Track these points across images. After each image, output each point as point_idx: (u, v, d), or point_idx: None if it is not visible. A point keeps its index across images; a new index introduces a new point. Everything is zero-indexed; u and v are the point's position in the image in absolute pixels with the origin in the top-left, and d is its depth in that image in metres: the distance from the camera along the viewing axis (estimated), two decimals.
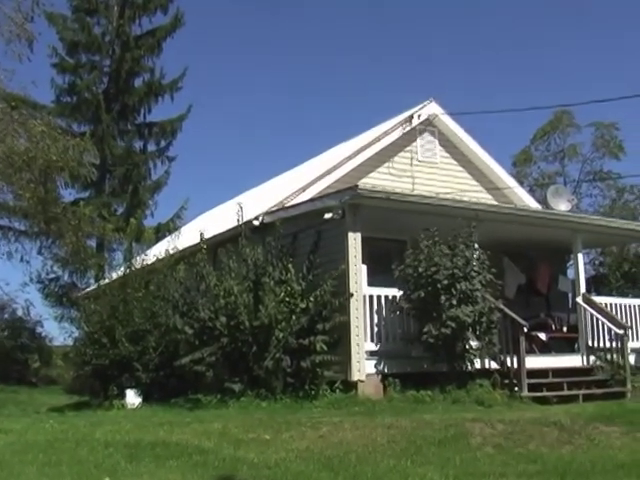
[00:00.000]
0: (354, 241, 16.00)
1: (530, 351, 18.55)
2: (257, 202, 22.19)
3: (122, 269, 21.81)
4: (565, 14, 75.79)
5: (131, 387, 18.03)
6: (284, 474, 9.79)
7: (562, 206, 21.58)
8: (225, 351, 15.70)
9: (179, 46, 67.13)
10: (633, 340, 19.92)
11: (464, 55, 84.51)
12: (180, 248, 20.97)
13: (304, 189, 20.23)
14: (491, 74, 79.92)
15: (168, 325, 17.34)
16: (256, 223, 18.65)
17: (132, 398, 17.72)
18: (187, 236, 23.20)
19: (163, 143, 46.43)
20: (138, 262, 21.31)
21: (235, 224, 18.06)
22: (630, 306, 20.85)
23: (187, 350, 16.32)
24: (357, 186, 15.95)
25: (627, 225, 22.36)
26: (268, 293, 15.52)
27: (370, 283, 16.52)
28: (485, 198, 22.76)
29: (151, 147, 46.57)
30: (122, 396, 17.93)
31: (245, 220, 17.92)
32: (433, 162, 23.33)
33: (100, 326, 19.68)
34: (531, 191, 38.87)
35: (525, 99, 69.14)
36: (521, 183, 37.08)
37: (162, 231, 42.27)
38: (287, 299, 15.60)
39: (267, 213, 18.99)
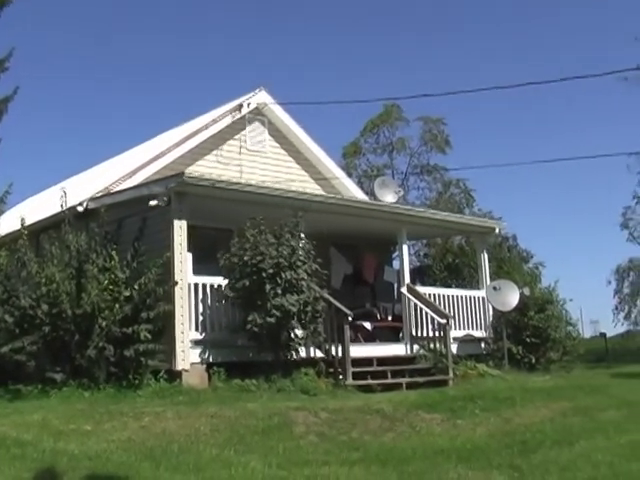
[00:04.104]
0: (180, 229, 15.81)
1: (355, 340, 18.81)
2: (83, 187, 21.76)
3: None
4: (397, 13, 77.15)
5: None
6: (105, 465, 9.67)
7: (389, 198, 21.91)
8: (47, 340, 15.25)
9: (6, 26, 64.99)
10: (455, 329, 20.48)
11: (302, 44, 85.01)
12: (1, 234, 20.30)
13: (131, 175, 19.91)
14: (330, 66, 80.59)
15: None
16: (80, 209, 18.24)
17: None
18: (9, 221, 22.48)
19: None
20: None
21: (59, 210, 17.61)
22: (453, 296, 21.43)
23: (7, 339, 15.74)
24: (183, 173, 15.77)
25: (451, 218, 22.95)
26: (91, 281, 15.17)
27: (196, 272, 16.35)
28: (314, 188, 22.87)
29: None
30: None
31: (69, 206, 17.45)
32: (262, 151, 23.32)
33: None
34: (360, 183, 39.38)
35: (362, 91, 69.96)
36: (350, 174, 37.56)
37: None
38: (111, 287, 15.27)
39: (92, 199, 18.60)
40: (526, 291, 21.71)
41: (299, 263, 15.69)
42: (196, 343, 15.87)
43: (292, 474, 9.70)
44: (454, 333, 20.02)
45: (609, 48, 73.25)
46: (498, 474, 10.33)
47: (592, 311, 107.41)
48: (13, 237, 17.88)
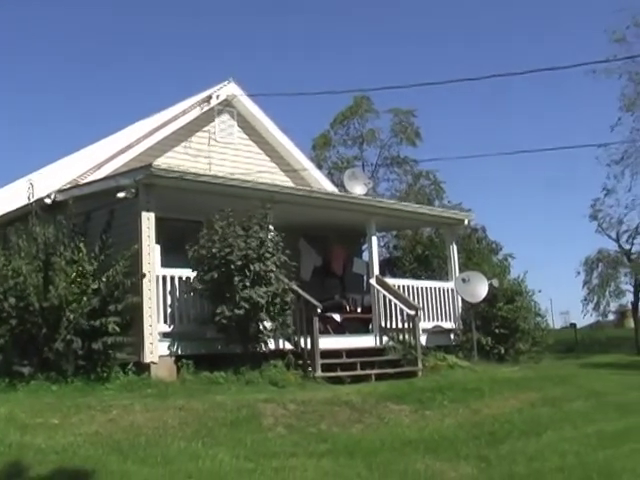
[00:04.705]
0: (148, 221, 15.74)
1: (325, 332, 18.81)
2: (51, 180, 21.58)
3: None
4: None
5: None
6: (71, 459, 9.66)
7: (358, 189, 21.98)
8: (14, 333, 15.09)
9: None
10: (425, 321, 20.52)
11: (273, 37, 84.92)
12: None
13: (99, 167, 19.78)
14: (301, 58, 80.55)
15: None
16: (48, 201, 18.08)
17: None
18: None
19: None
20: None
21: (26, 202, 17.48)
22: (422, 288, 21.45)
23: None
24: (151, 165, 15.73)
25: (420, 209, 23.01)
26: (59, 273, 15.06)
27: (165, 264, 16.28)
28: (283, 180, 22.85)
29: None
30: None
31: (36, 198, 17.35)
32: (231, 143, 23.27)
33: None
34: (330, 174, 39.35)
35: (333, 84, 70.02)
36: (320, 166, 37.54)
37: None
38: (78, 279, 15.16)
39: (60, 191, 18.44)
40: (495, 282, 21.80)
41: (268, 255, 15.67)
42: (164, 335, 15.83)
43: (260, 466, 9.76)
44: (423, 324, 20.09)
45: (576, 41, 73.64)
46: (466, 464, 10.45)
47: (563, 302, 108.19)
48: None
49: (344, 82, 68.17)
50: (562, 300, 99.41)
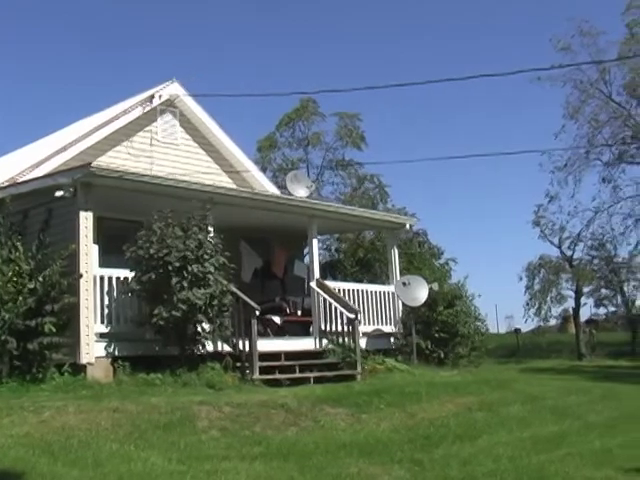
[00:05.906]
0: (85, 220, 15.58)
1: (265, 334, 18.81)
2: None
3: None
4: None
5: None
6: (1, 460, 9.55)
7: (301, 192, 21.93)
8: None
9: None
10: (365, 324, 20.53)
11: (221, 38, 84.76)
12: None
13: (38, 165, 19.64)
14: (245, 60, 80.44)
15: None
16: None
17: None
18: None
19: None
20: None
21: None
22: (362, 291, 21.44)
23: None
24: (89, 164, 15.61)
25: (361, 213, 23.02)
26: None
27: (106, 263, 16.19)
28: (225, 181, 22.85)
29: None
30: None
31: None
32: (174, 143, 23.18)
33: None
34: (275, 177, 39.32)
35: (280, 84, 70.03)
36: (265, 168, 37.55)
37: None
38: (15, 279, 15.00)
39: None
40: (435, 287, 21.86)
41: (206, 256, 15.58)
42: (101, 336, 15.70)
43: (192, 469, 9.72)
44: (363, 328, 20.10)
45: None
46: (399, 468, 10.47)
47: (508, 306, 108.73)
48: None
49: (292, 83, 68.28)
50: (507, 304, 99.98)
